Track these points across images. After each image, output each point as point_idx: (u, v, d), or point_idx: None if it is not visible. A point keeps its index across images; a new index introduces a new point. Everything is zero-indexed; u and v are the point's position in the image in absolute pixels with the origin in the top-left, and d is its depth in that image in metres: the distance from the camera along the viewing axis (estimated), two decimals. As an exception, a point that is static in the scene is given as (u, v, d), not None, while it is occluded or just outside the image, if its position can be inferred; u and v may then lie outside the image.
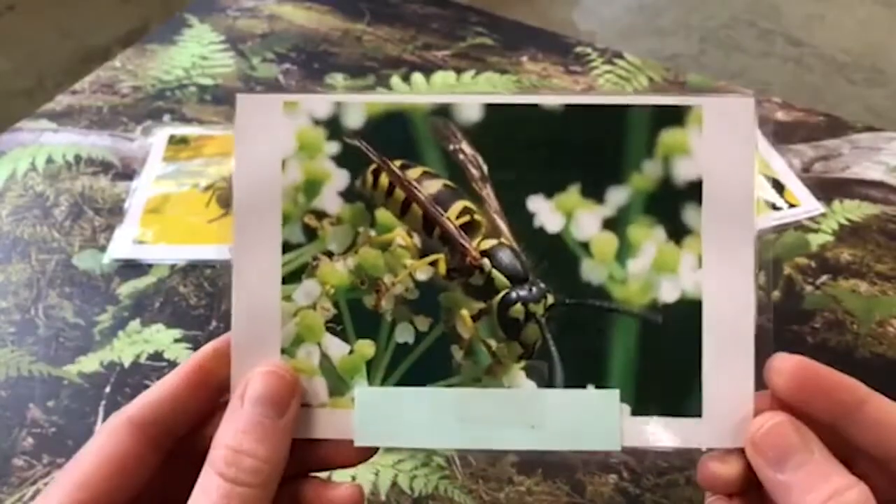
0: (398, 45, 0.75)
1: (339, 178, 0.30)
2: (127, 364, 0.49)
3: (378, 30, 0.77)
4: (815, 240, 0.58)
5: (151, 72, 0.70)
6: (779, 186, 0.61)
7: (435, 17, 0.78)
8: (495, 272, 0.29)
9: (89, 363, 0.49)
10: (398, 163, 0.30)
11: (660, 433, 0.28)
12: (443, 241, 0.30)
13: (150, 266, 0.54)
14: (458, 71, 0.72)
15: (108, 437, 0.29)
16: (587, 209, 0.29)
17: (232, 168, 0.29)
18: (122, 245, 0.55)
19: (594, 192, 0.29)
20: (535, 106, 0.29)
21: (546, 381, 0.28)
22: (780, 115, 0.68)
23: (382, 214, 0.30)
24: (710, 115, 0.28)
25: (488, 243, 0.29)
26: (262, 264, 0.29)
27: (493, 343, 0.29)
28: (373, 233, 0.30)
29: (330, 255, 0.29)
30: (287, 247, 0.29)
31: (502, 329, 0.29)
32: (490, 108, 0.29)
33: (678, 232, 0.29)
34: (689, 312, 0.28)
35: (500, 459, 0.44)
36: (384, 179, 0.30)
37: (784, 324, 0.51)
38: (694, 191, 0.28)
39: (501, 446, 0.28)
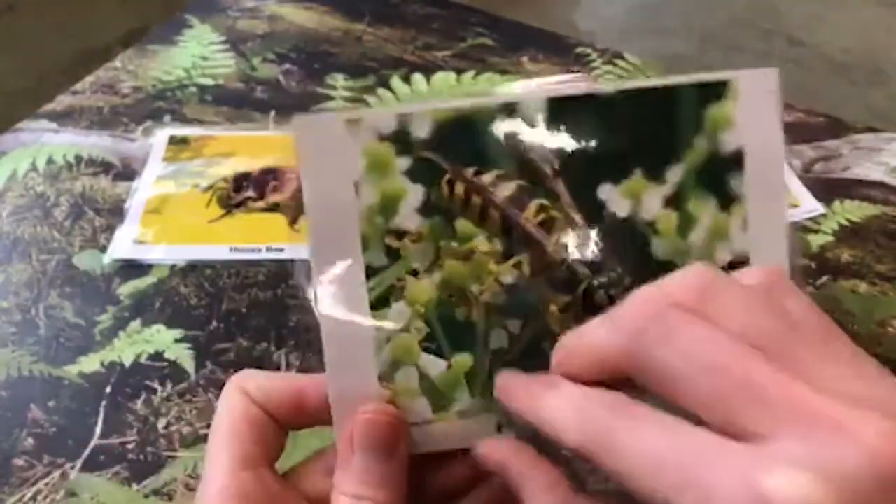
0: (398, 46, 0.75)
1: (415, 194, 0.29)
2: (127, 364, 0.49)
3: (378, 30, 0.77)
4: (816, 240, 0.58)
5: (152, 72, 0.70)
6: (779, 187, 0.61)
7: (435, 18, 0.78)
8: (576, 264, 0.29)
9: (90, 363, 0.49)
10: (471, 170, 0.29)
11: None
12: (523, 241, 0.30)
13: (150, 266, 0.54)
14: (459, 71, 0.72)
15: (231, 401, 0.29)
16: (650, 190, 0.30)
17: (304, 199, 0.28)
18: (122, 245, 0.55)
19: (655, 173, 0.30)
20: (592, 96, 0.30)
21: None
22: (781, 116, 0.68)
23: (462, 224, 0.30)
24: (746, 86, 0.30)
25: (566, 237, 0.30)
26: (347, 293, 0.28)
27: None
28: (454, 244, 0.29)
29: (415, 273, 0.29)
30: (370, 271, 0.29)
31: (588, 317, 0.29)
32: (552, 102, 0.30)
33: (727, 200, 0.30)
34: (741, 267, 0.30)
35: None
36: (459, 188, 0.29)
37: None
38: (737, 159, 0.30)
39: None
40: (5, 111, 0.76)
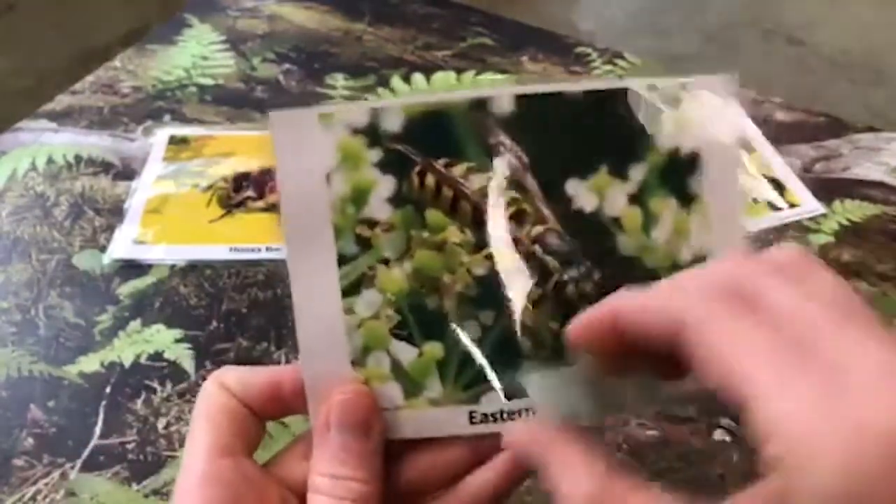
0: (398, 45, 0.75)
1: (386, 185, 0.30)
2: (127, 364, 0.49)
3: (378, 30, 0.77)
4: (816, 240, 0.58)
5: (152, 72, 0.70)
6: (779, 186, 0.61)
7: (435, 17, 0.78)
8: (546, 258, 0.30)
9: (90, 363, 0.49)
10: (442, 162, 0.30)
11: None
12: None
13: (150, 266, 0.54)
14: (459, 71, 0.72)
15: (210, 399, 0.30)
16: (615, 187, 0.30)
17: (277, 189, 0.29)
18: (122, 245, 0.55)
19: (619, 171, 0.30)
20: (559, 94, 0.30)
21: None
22: (781, 116, 0.68)
23: (433, 215, 0.30)
24: (701, 91, 0.31)
25: (537, 230, 0.30)
26: (319, 281, 0.29)
27: (554, 326, 0.30)
28: (426, 234, 0.30)
29: (386, 262, 0.29)
30: (342, 259, 0.29)
31: (560, 311, 0.29)
32: (521, 98, 0.30)
33: (686, 199, 0.31)
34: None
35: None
36: (430, 180, 0.30)
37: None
38: (694, 160, 0.31)
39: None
40: (5, 111, 0.76)
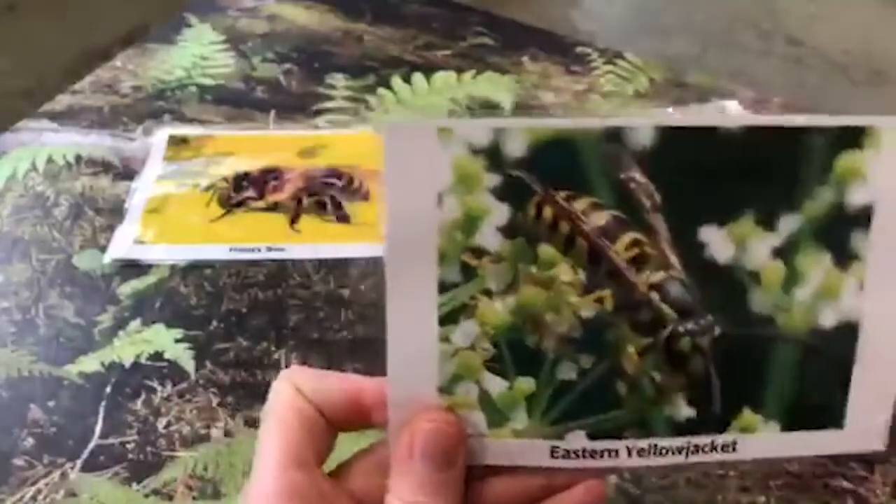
0: (399, 45, 0.75)
1: (500, 213, 0.28)
2: (127, 364, 0.49)
3: (379, 30, 0.77)
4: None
5: (152, 72, 0.70)
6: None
7: (435, 17, 0.78)
8: (664, 306, 0.28)
9: (90, 363, 0.49)
10: (563, 194, 0.28)
11: (801, 444, 0.29)
12: (609, 275, 0.28)
13: (150, 266, 0.54)
14: (459, 71, 0.72)
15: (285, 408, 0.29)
16: (759, 238, 0.28)
17: (385, 206, 0.27)
18: (122, 245, 0.55)
19: (767, 220, 0.28)
20: (712, 129, 0.27)
21: (705, 407, 0.28)
22: (781, 116, 0.68)
23: (545, 250, 0.28)
24: (889, 137, 0.27)
25: (657, 276, 0.28)
26: (417, 305, 0.28)
27: (657, 376, 0.28)
28: (534, 269, 0.28)
29: (489, 294, 0.28)
30: (443, 287, 0.28)
31: (668, 363, 0.28)
32: (664, 131, 0.27)
33: (845, 258, 0.28)
34: (847, 336, 0.28)
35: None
36: (548, 212, 0.28)
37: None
38: (864, 216, 0.27)
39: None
40: (5, 111, 0.76)
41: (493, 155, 0.27)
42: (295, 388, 0.29)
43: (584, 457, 0.28)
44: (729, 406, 0.28)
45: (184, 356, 0.49)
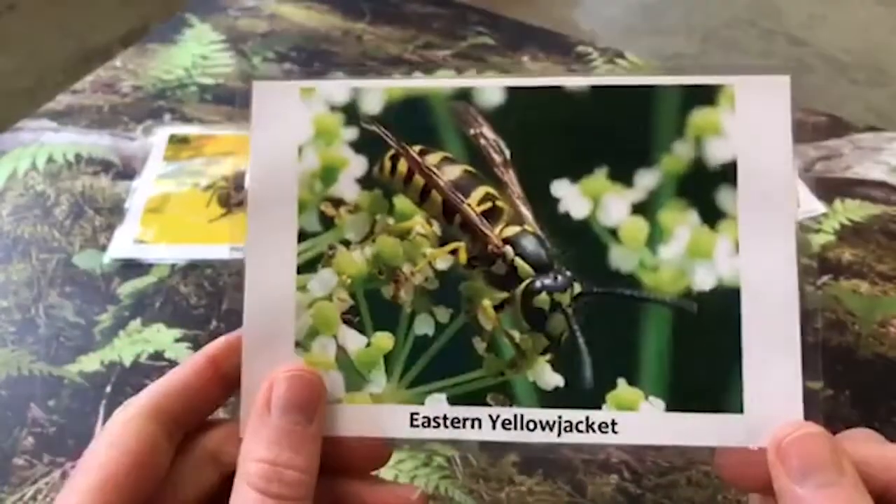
0: (399, 45, 0.75)
1: (357, 165, 0.29)
2: (128, 364, 0.49)
3: (379, 29, 0.77)
4: (817, 240, 0.58)
5: (152, 71, 0.70)
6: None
7: (435, 17, 0.78)
8: (518, 260, 0.28)
9: (90, 363, 0.49)
10: (417, 148, 0.29)
11: (696, 431, 0.27)
12: (464, 228, 0.28)
13: (150, 266, 0.54)
14: (459, 70, 0.72)
15: (124, 429, 0.26)
16: (615, 193, 0.28)
17: (248, 156, 0.29)
18: (122, 245, 0.55)
19: (622, 176, 0.28)
20: (558, 88, 0.28)
21: (573, 376, 0.27)
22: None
23: (401, 202, 0.29)
24: (743, 94, 0.27)
25: (511, 230, 0.28)
26: (276, 253, 0.28)
27: (516, 335, 0.28)
28: (391, 221, 0.29)
29: (347, 244, 0.28)
30: (303, 235, 0.29)
31: (526, 320, 0.27)
32: (512, 91, 0.28)
33: (713, 215, 0.27)
34: (726, 301, 0.27)
35: (500, 459, 0.44)
36: (403, 166, 0.29)
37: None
38: (728, 172, 0.27)
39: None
40: (5, 111, 0.76)
41: (350, 111, 0.29)
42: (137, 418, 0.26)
43: (444, 426, 0.27)
44: (602, 377, 0.27)
45: (184, 356, 0.49)
